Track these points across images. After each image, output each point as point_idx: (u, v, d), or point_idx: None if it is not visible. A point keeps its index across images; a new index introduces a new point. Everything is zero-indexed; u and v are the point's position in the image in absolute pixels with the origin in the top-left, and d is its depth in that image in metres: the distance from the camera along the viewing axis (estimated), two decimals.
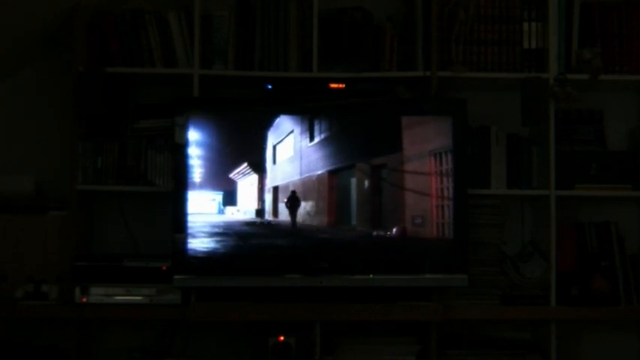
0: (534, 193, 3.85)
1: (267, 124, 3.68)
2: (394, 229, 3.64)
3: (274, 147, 3.68)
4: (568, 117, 3.92)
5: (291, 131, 3.68)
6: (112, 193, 3.87)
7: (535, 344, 3.86)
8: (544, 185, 3.80)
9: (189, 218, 3.60)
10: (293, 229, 3.67)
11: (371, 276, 3.62)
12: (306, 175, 3.68)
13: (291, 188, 3.67)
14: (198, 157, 3.63)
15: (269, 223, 3.68)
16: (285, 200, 3.67)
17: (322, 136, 3.68)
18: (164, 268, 3.66)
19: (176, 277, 3.60)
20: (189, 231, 3.59)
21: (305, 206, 3.66)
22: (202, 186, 3.64)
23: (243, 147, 3.68)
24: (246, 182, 3.68)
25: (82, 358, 3.79)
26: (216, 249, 3.63)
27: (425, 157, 3.66)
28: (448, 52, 3.80)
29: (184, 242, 3.60)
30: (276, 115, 3.68)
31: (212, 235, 3.61)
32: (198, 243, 3.60)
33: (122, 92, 3.91)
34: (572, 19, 3.84)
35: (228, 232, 3.63)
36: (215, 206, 3.65)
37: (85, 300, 3.65)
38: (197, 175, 3.63)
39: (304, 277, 3.61)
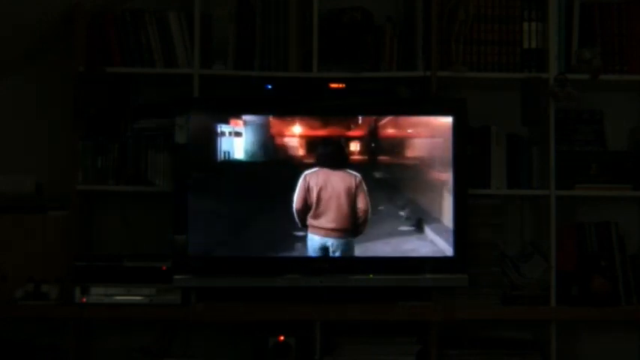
0: (534, 193, 3.85)
1: None
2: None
3: None
4: (568, 117, 3.92)
5: None
6: (112, 193, 3.87)
7: (535, 344, 3.86)
8: (544, 185, 3.80)
9: None
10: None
11: (371, 276, 3.62)
12: None
13: None
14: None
15: None
16: None
17: None
18: (164, 268, 3.66)
19: (176, 277, 3.60)
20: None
21: None
22: None
23: None
24: None
25: (82, 358, 3.79)
26: (216, 249, 3.64)
27: (425, 156, 3.66)
28: (448, 52, 3.80)
29: (184, 242, 3.60)
30: (276, 115, 3.68)
31: None
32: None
33: (122, 92, 3.91)
34: (572, 19, 3.84)
35: None
36: None
37: (85, 300, 3.65)
38: None
39: (304, 277, 3.61)
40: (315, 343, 3.66)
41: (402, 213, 3.63)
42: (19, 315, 3.66)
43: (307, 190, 3.61)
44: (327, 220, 3.62)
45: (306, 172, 3.62)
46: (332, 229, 3.63)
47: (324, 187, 3.62)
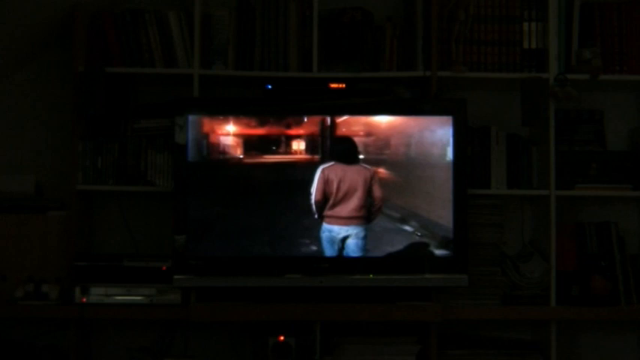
0: (534, 193, 3.85)
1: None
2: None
3: None
4: (568, 117, 3.92)
5: None
6: (112, 193, 3.87)
7: (535, 344, 3.86)
8: (544, 185, 3.80)
9: None
10: None
11: (371, 276, 3.62)
12: None
13: None
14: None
15: None
16: None
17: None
18: (164, 268, 3.67)
19: (176, 277, 3.60)
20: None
21: None
22: None
23: None
24: None
25: (82, 358, 3.79)
26: (216, 249, 3.64)
27: (425, 156, 3.66)
28: (448, 52, 3.80)
29: (184, 242, 3.60)
30: (276, 115, 3.69)
31: None
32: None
33: (122, 92, 3.91)
34: (572, 19, 3.84)
35: None
36: None
37: (85, 300, 3.65)
38: None
39: (304, 277, 3.61)
40: (315, 343, 3.66)
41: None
42: (19, 315, 3.65)
43: (326, 182, 3.65)
44: (347, 210, 3.65)
45: (323, 166, 3.65)
46: (351, 218, 3.65)
47: (342, 179, 3.66)
